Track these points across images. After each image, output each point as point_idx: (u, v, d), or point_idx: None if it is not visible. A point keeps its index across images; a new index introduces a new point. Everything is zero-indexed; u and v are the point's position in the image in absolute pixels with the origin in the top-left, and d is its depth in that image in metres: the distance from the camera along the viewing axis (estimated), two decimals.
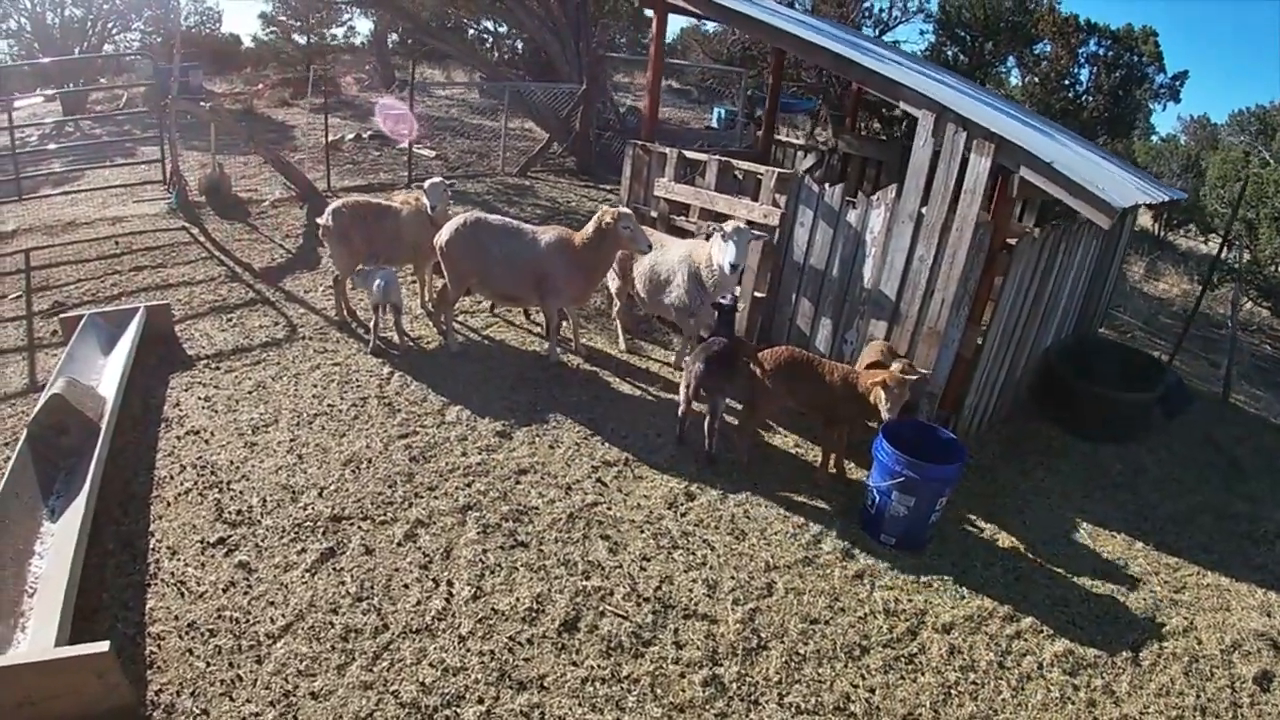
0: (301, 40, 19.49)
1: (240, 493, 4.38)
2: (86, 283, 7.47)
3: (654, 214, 6.78)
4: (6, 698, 2.90)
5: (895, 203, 5.34)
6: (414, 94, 11.40)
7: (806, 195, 5.77)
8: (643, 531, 4.28)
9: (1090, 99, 13.73)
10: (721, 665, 3.50)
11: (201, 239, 8.96)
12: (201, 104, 10.86)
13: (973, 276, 5.13)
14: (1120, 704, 3.58)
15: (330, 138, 13.05)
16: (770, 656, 3.58)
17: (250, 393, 5.47)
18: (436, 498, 4.41)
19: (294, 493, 4.40)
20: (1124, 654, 3.88)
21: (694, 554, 4.16)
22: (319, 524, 4.15)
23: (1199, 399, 7.36)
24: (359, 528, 4.15)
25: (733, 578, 4.02)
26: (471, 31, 19.47)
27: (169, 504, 4.25)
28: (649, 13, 7.19)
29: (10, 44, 19.23)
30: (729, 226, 5.41)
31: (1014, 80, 15.41)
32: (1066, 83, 13.89)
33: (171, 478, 4.48)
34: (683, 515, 4.46)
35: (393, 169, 12.25)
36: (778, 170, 5.85)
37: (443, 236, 5.96)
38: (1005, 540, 4.67)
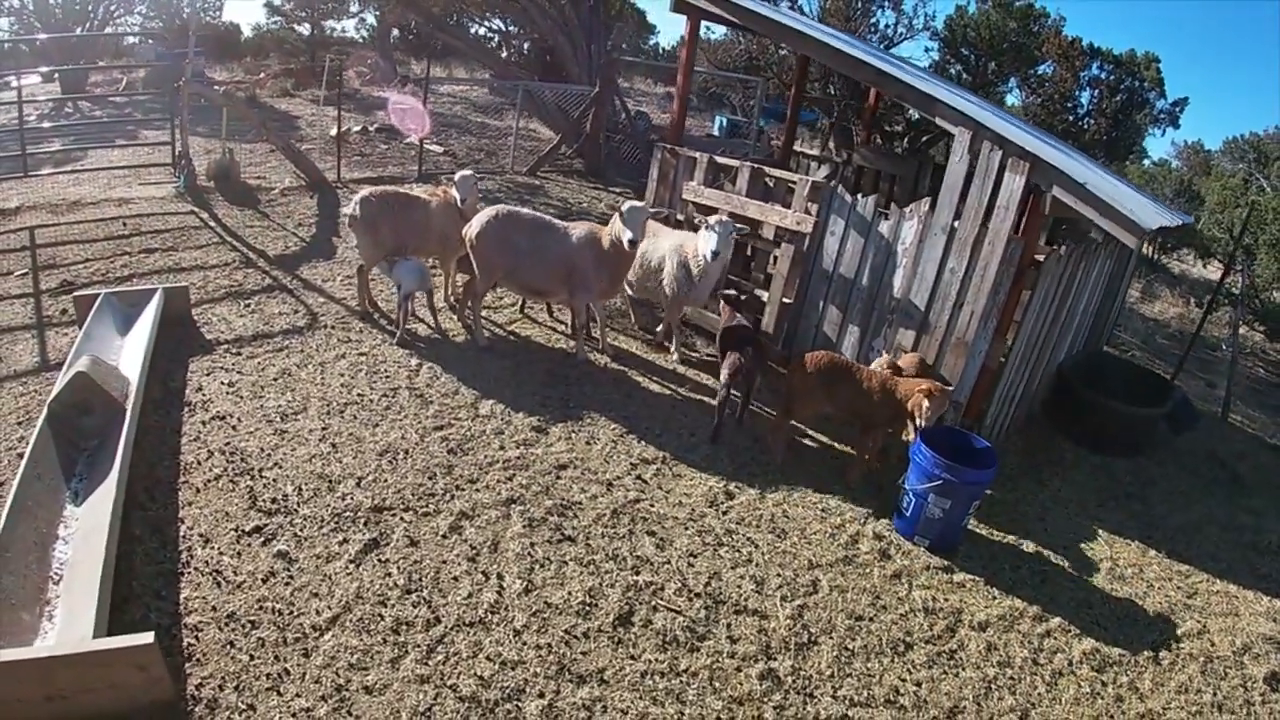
0: (305, 31, 19.40)
1: (274, 480, 4.32)
2: (95, 263, 7.39)
3: (680, 217, 6.85)
4: (36, 692, 2.75)
5: (929, 215, 5.45)
6: (426, 90, 11.33)
7: (839, 205, 5.86)
8: (687, 529, 4.32)
9: (1091, 122, 13.99)
10: (775, 659, 3.56)
11: (212, 224, 8.89)
12: (215, 88, 10.77)
13: (1002, 290, 5.24)
14: (1145, 699, 3.72)
15: (332, 130, 13.03)
16: (821, 651, 3.65)
17: (275, 379, 5.42)
18: (478, 490, 4.40)
19: (331, 482, 4.35)
20: (1145, 653, 4.02)
21: (739, 551, 4.21)
22: (360, 514, 4.11)
23: (1201, 416, 7.54)
24: (401, 519, 4.12)
25: (779, 575, 4.09)
26: (479, 29, 19.48)
27: (198, 490, 4.18)
28: (681, 18, 7.23)
29: (10, 21, 18.92)
30: (713, 219, 5.61)
31: (1012, 99, 15.68)
32: (1069, 105, 14.15)
33: (199, 463, 4.41)
34: (724, 513, 4.51)
35: (401, 163, 12.22)
36: (810, 179, 5.94)
37: (473, 229, 5.95)
38: (1030, 545, 4.81)
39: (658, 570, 3.97)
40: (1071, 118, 14.07)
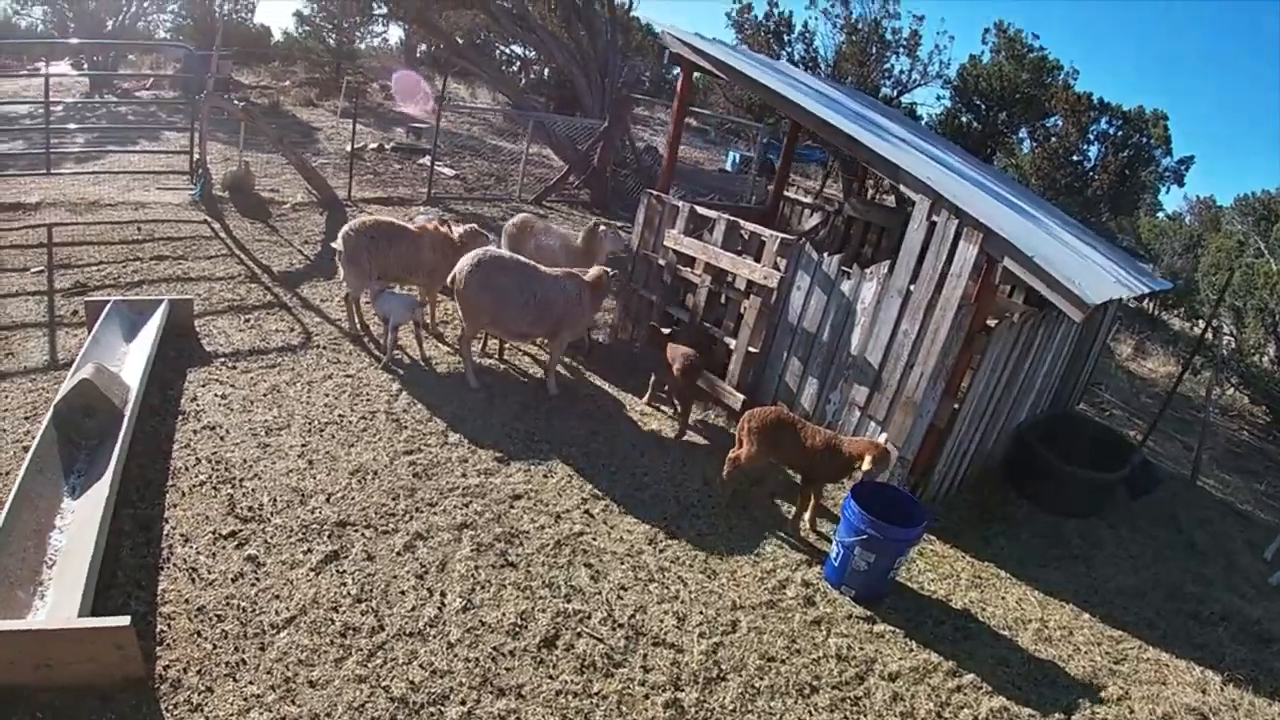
0: (332, 42, 19.96)
1: (252, 490, 4.66)
2: (108, 266, 7.75)
3: (661, 262, 7.18)
4: (27, 658, 3.13)
5: (887, 278, 5.73)
6: (442, 107, 11.73)
7: (806, 261, 6.17)
8: (623, 563, 4.62)
9: (1095, 176, 14.16)
10: (683, 691, 3.82)
11: (222, 235, 9.29)
12: (235, 102, 11.21)
13: (951, 353, 5.49)
14: None
15: (348, 145, 13.45)
16: (728, 687, 3.90)
17: (265, 395, 5.77)
18: (436, 514, 4.72)
19: (303, 496, 4.68)
20: (1056, 715, 4.15)
21: (668, 588, 4.50)
22: (325, 527, 4.44)
23: (1169, 479, 7.66)
24: (362, 535, 4.44)
25: (701, 613, 4.35)
26: (500, 51, 19.97)
27: (184, 494, 4.52)
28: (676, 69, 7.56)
29: (45, 10, 19.56)
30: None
31: (1024, 148, 15.85)
32: (1075, 159, 14.33)
33: (187, 469, 4.75)
34: (661, 551, 4.80)
35: (412, 184, 12.62)
36: (780, 235, 6.24)
37: (459, 276, 5.99)
38: (959, 600, 4.99)
39: (588, 600, 4.26)
40: (1076, 171, 14.23)
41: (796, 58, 14.92)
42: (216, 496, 4.56)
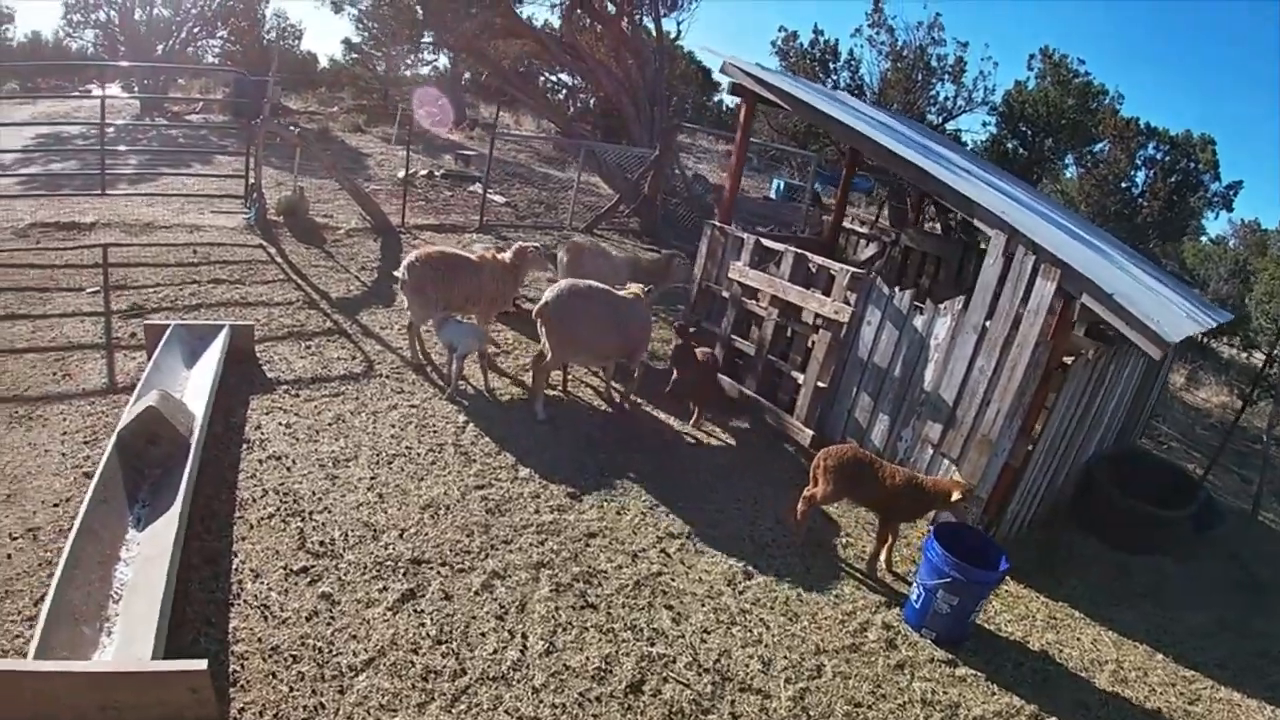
0: (380, 68, 20.32)
1: (323, 524, 4.60)
2: (165, 289, 7.80)
3: (725, 294, 7.16)
4: (92, 701, 3.00)
5: (961, 314, 5.66)
6: (494, 136, 11.84)
7: (876, 296, 6.11)
8: (704, 605, 4.54)
9: (1144, 202, 13.99)
10: None
11: (278, 259, 9.32)
12: (290, 128, 11.38)
13: (1029, 391, 5.40)
14: None
15: (400, 171, 13.59)
16: None
17: (330, 425, 5.72)
18: (512, 552, 4.66)
19: (375, 531, 4.62)
20: None
21: (751, 631, 4.42)
22: (400, 565, 4.37)
23: (1229, 514, 7.51)
24: (438, 573, 4.37)
25: (785, 657, 4.28)
26: (546, 80, 20.20)
27: (252, 526, 4.47)
28: (734, 99, 7.57)
29: (96, 34, 20.05)
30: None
31: (1069, 174, 15.72)
32: (1124, 185, 14.17)
33: (254, 500, 4.70)
34: (741, 593, 4.73)
35: (464, 210, 12.71)
36: (851, 269, 6.20)
37: (550, 307, 6.04)
38: (1036, 642, 4.91)
39: (672, 643, 4.19)
40: (1125, 198, 14.07)
41: (842, 85, 14.93)
42: (286, 530, 4.50)
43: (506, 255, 7.09)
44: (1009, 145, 14.62)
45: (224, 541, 4.31)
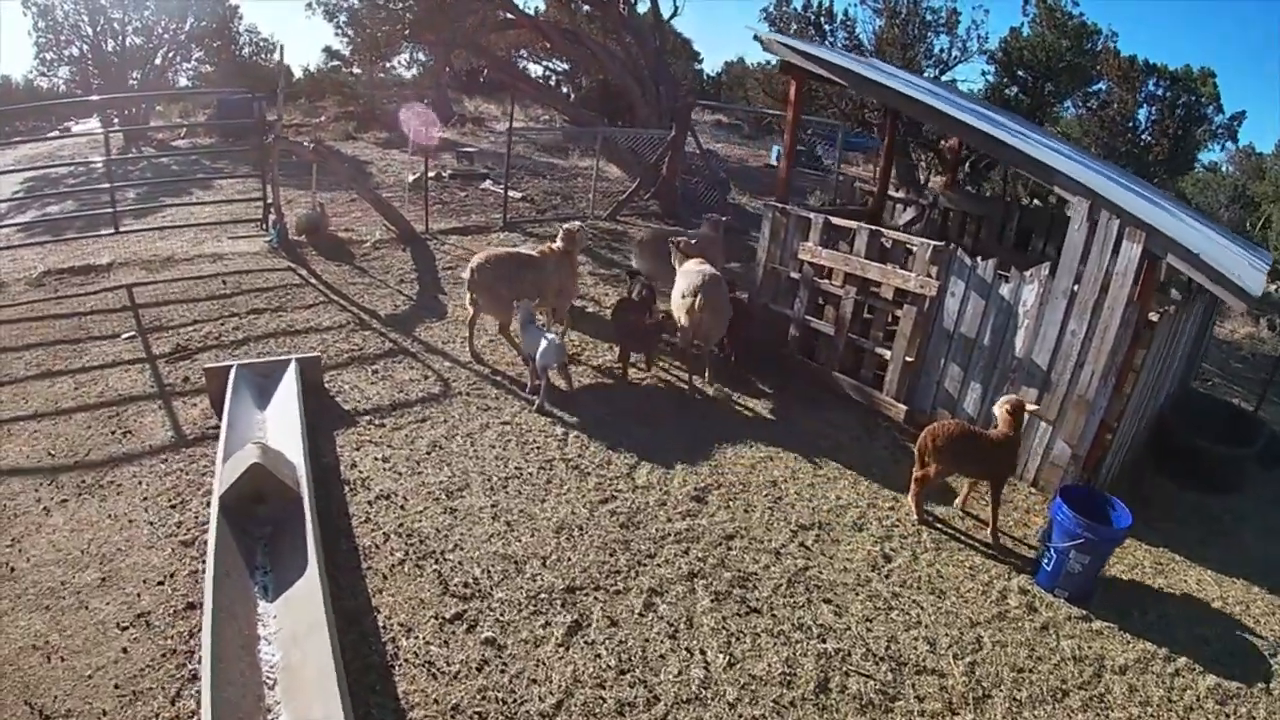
0: (363, 75, 19.91)
1: (459, 563, 4.44)
2: (204, 325, 7.57)
3: (795, 275, 7.21)
4: None
5: (1049, 280, 5.76)
6: (510, 133, 11.69)
7: (959, 267, 6.19)
8: (857, 594, 4.65)
9: (1151, 139, 14.10)
10: (959, 714, 3.88)
11: (313, 281, 9.11)
12: (305, 144, 11.17)
13: (1121, 350, 5.52)
14: None
15: (409, 176, 13.40)
16: (995, 703, 3.97)
17: (428, 453, 5.58)
18: (659, 565, 4.66)
19: (516, 563, 4.50)
20: (1259, 685, 4.36)
21: (908, 613, 4.55)
22: (554, 595, 4.27)
23: None
24: (595, 598, 4.30)
25: (947, 634, 4.41)
26: (535, 69, 20.01)
27: (385, 576, 4.27)
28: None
29: (70, 70, 19.55)
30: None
31: (1068, 114, 15.80)
32: (1132, 125, 14.27)
33: (377, 547, 4.51)
34: (886, 577, 4.84)
35: (483, 210, 12.56)
36: (932, 243, 6.26)
37: (702, 298, 6.60)
38: (1150, 587, 5.17)
39: (841, 637, 4.29)
40: (1134, 138, 14.19)
41: (840, 45, 14.89)
42: (423, 575, 4.33)
43: (558, 243, 7.26)
44: (1009, 92, 14.68)
45: (360, 598, 4.10)
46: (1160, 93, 14.16)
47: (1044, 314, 5.81)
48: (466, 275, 6.85)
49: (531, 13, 13.79)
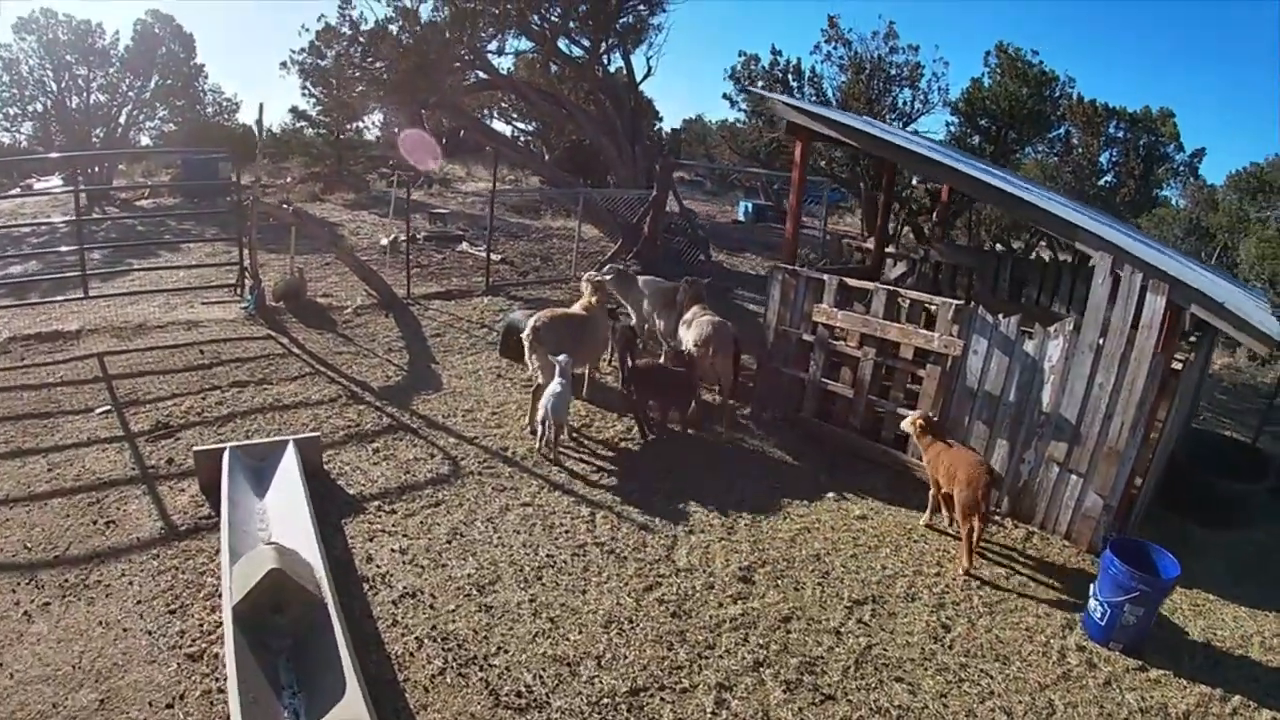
0: (329, 134, 19.74)
1: (505, 669, 4.10)
2: (184, 399, 7.18)
3: (807, 337, 7.17)
4: None
5: (1074, 335, 5.79)
6: (493, 195, 11.58)
7: (980, 325, 6.19)
8: (925, 669, 4.50)
9: (1115, 181, 14.57)
10: None
11: (295, 350, 8.79)
12: (284, 205, 10.91)
13: (1149, 400, 5.56)
14: None
15: (383, 239, 13.18)
16: None
17: (449, 542, 5.22)
18: (721, 656, 4.40)
19: (569, 665, 4.18)
20: None
21: (979, 684, 4.42)
22: (618, 699, 3.98)
23: None
24: (662, 699, 4.03)
25: (1021, 702, 4.30)
26: (505, 130, 20.01)
27: (426, 689, 3.91)
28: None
29: (34, 126, 19.08)
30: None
31: (1028, 160, 16.27)
32: (1100, 168, 14.72)
33: (411, 655, 4.14)
34: (949, 648, 4.71)
35: (463, 273, 12.40)
36: (953, 302, 6.27)
37: (713, 347, 7.04)
38: (1194, 631, 5.18)
39: (920, 717, 4.13)
40: (1101, 181, 14.64)
41: (809, 100, 15.19)
42: (468, 685, 3.95)
43: (590, 297, 7.47)
44: (973, 141, 15.10)
45: (403, 716, 3.73)
46: (1121, 135, 14.66)
47: (1070, 368, 5.84)
48: (528, 336, 6.86)
49: (504, 74, 13.82)
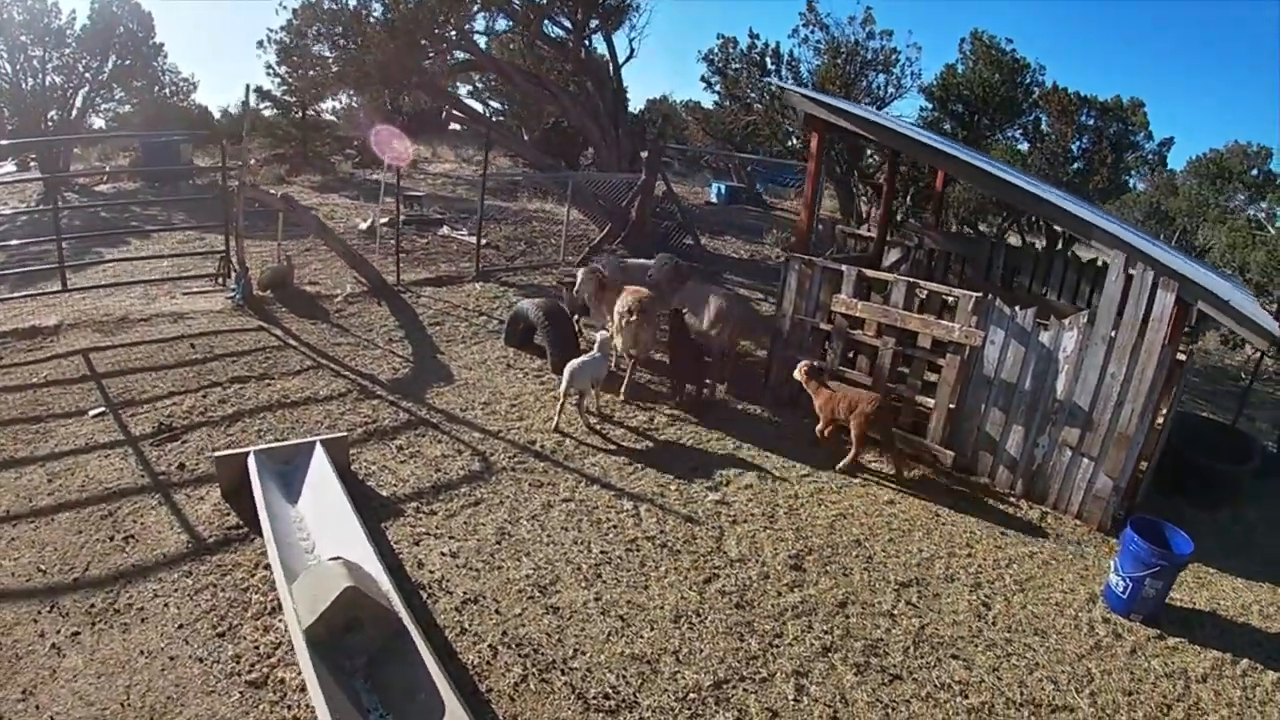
0: (297, 115, 19.15)
1: (588, 671, 4.10)
2: (183, 397, 6.95)
3: (825, 327, 7.40)
4: None
5: (1088, 328, 6.12)
6: (484, 178, 11.48)
7: (997, 316, 6.49)
8: (975, 644, 4.79)
9: (1087, 168, 15.06)
10: None
11: (293, 342, 8.59)
12: (271, 193, 10.67)
13: (1158, 389, 5.94)
14: None
15: (361, 223, 12.93)
16: None
17: (498, 543, 5.16)
18: (790, 644, 4.56)
19: (649, 663, 4.22)
20: None
21: (1025, 657, 4.73)
22: (704, 694, 4.05)
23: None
24: (745, 690, 4.13)
25: (1064, 671, 4.63)
26: (479, 109, 19.70)
27: (511, 698, 3.87)
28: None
29: None
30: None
31: (998, 146, 16.73)
32: (1075, 157, 15.19)
33: (488, 664, 4.08)
34: (993, 624, 5.01)
35: (450, 258, 12.27)
36: (973, 294, 6.54)
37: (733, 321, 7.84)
38: (1200, 601, 5.60)
39: (980, 690, 4.40)
40: (1074, 169, 15.13)
41: (789, 83, 15.37)
42: (553, 691, 3.93)
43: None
44: (946, 126, 15.46)
45: None
46: (1092, 123, 15.14)
47: (1084, 359, 6.16)
48: (628, 315, 7.49)
49: (488, 54, 13.65)
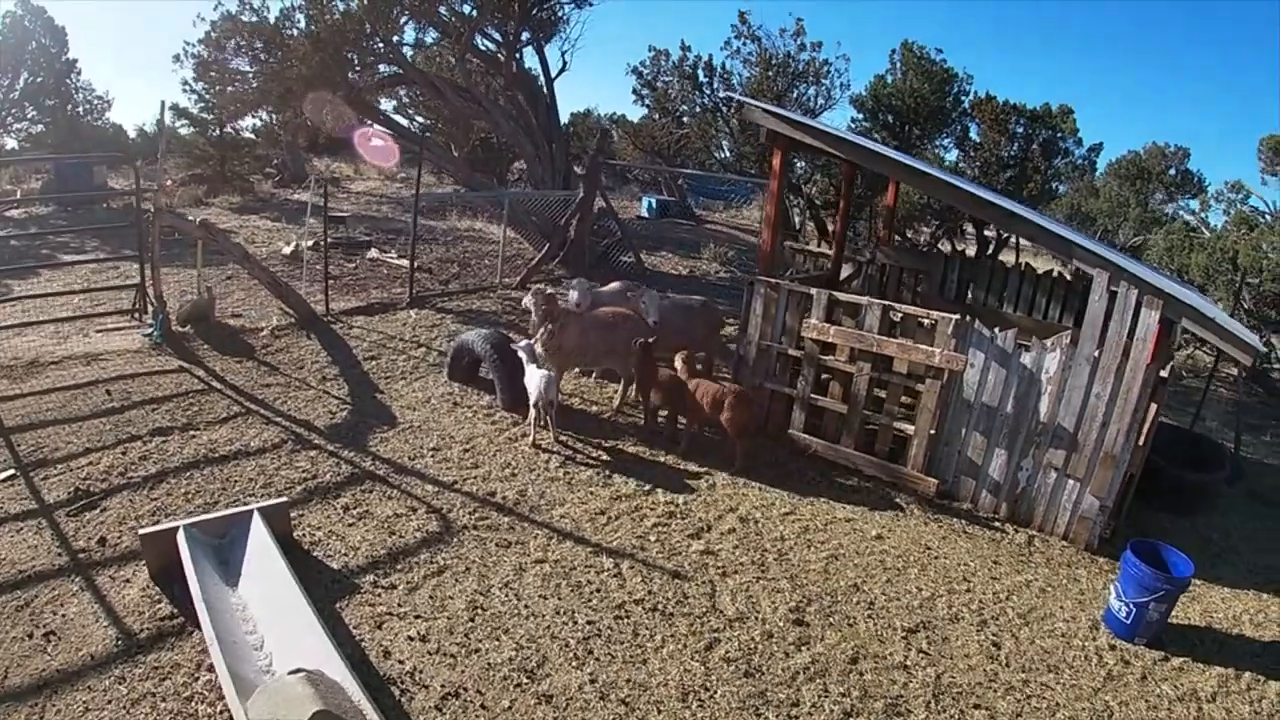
0: (214, 133, 18.04)
1: None
2: (100, 454, 6.20)
3: (794, 352, 7.11)
4: None
5: (1070, 348, 5.99)
6: (417, 198, 10.89)
7: (977, 339, 6.31)
8: (993, 689, 4.53)
9: (1020, 175, 15.29)
10: None
11: (217, 385, 7.85)
12: (189, 219, 9.85)
13: (1142, 408, 5.85)
14: None
15: (285, 247, 12.19)
16: None
17: (469, 619, 4.58)
18: (810, 713, 4.21)
19: None
20: None
21: (1044, 698, 4.51)
22: None
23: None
24: None
25: (1084, 708, 4.46)
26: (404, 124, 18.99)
27: None
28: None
29: None
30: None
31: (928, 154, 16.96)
32: (1009, 165, 15.40)
33: None
34: (1006, 665, 4.77)
35: (381, 284, 11.63)
36: (952, 317, 6.34)
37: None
38: (1194, 616, 5.56)
39: None
40: (1008, 176, 15.33)
41: (720, 95, 15.21)
42: None
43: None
44: (877, 136, 15.51)
45: None
46: (1021, 130, 15.38)
47: (1069, 379, 6.03)
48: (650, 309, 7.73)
49: (417, 68, 13.03)
